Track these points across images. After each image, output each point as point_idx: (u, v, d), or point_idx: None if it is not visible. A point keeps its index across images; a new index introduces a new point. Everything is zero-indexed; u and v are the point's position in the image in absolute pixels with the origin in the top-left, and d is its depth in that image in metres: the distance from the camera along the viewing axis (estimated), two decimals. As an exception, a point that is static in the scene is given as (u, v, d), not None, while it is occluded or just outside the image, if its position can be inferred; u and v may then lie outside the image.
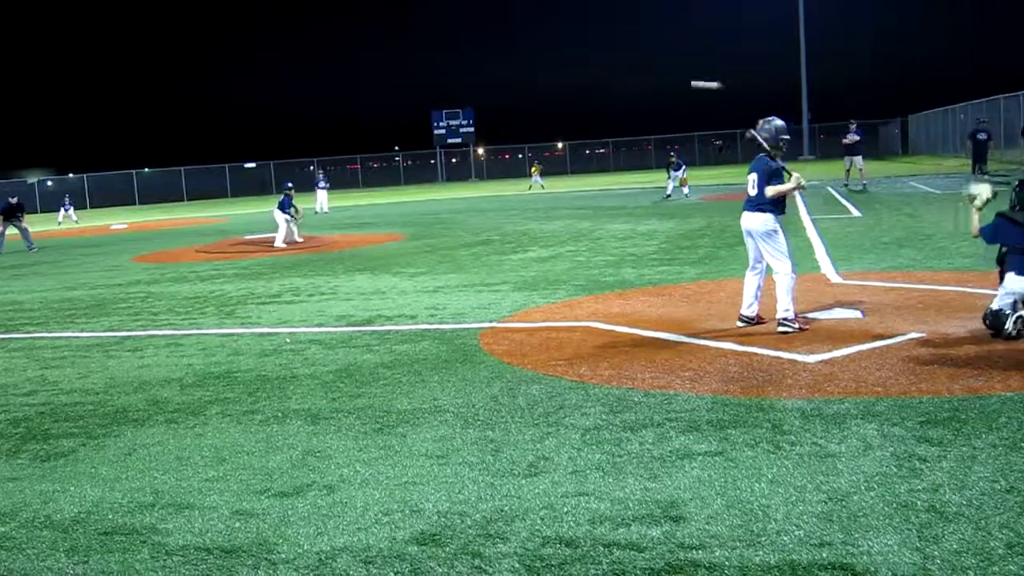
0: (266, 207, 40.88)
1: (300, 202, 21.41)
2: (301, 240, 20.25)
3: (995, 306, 6.94)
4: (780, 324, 7.52)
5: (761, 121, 7.82)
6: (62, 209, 41.37)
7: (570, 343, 7.79)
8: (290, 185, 20.99)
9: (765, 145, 7.70)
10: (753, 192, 7.73)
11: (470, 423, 5.61)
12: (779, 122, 7.82)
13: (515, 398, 6.11)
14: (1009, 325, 6.82)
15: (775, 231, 7.65)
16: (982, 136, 28.21)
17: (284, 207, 20.24)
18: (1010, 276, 6.92)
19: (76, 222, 39.91)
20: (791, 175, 7.74)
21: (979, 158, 28.18)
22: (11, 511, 4.65)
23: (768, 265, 7.77)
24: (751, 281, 7.86)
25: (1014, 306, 6.93)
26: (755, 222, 7.72)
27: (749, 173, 7.84)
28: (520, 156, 72.43)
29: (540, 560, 3.65)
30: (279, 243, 19.93)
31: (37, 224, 32.89)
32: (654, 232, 18.11)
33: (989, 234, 7.24)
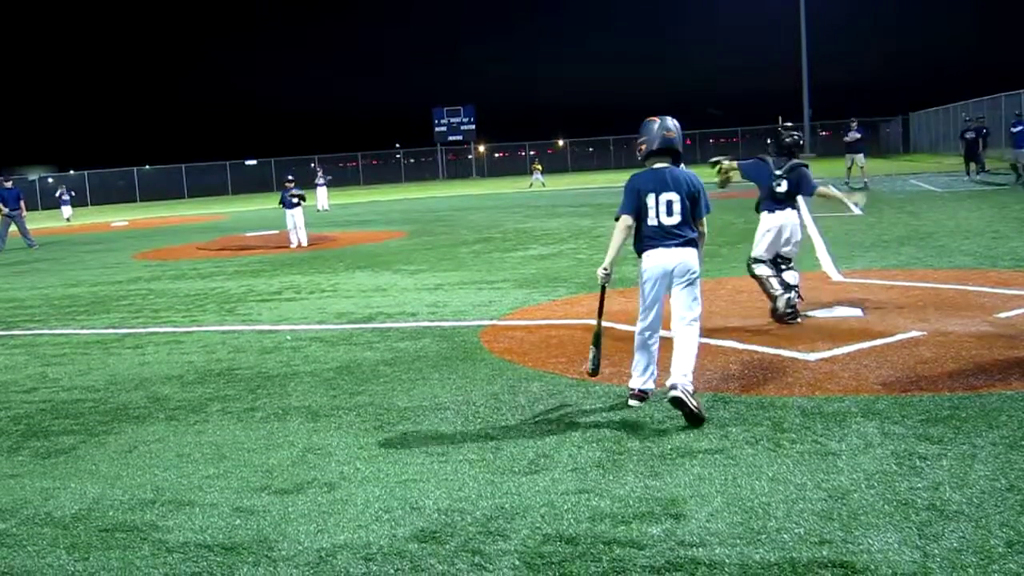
0: (267, 204, 40.88)
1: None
2: (305, 244, 19.98)
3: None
4: (683, 390, 5.24)
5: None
6: (64, 206, 40.75)
7: (571, 341, 7.79)
8: (290, 178, 20.82)
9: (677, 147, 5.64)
10: (676, 220, 5.48)
11: (470, 420, 5.61)
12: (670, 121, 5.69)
13: (515, 396, 6.11)
14: (780, 304, 7.70)
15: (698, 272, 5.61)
16: (970, 135, 28.19)
17: (285, 203, 20.03)
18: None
19: (67, 220, 38.99)
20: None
21: (971, 156, 28.18)
22: (12, 508, 4.65)
23: (682, 317, 5.51)
24: (649, 345, 5.69)
25: (784, 285, 7.73)
26: (689, 259, 5.50)
27: (661, 192, 5.49)
28: (521, 153, 72.41)
29: (541, 557, 3.65)
30: (293, 244, 19.78)
31: (38, 221, 32.90)
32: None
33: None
